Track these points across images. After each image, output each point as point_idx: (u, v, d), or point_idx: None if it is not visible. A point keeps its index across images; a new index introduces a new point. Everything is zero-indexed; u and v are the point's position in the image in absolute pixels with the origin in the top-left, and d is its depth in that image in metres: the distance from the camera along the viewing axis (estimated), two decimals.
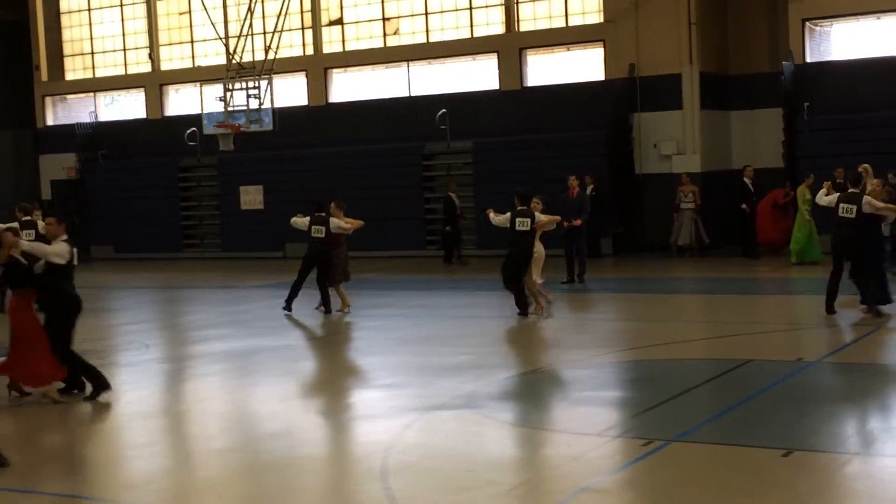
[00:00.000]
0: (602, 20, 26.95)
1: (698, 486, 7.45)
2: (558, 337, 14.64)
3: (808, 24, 25.52)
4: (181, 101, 32.81)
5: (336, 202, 17.45)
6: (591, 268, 20.89)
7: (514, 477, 7.98)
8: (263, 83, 26.46)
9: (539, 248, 15.88)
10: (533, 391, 11.33)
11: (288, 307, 17.15)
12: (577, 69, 27.76)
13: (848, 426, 9.34)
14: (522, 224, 15.69)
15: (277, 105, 27.15)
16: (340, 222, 17.03)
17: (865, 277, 14.27)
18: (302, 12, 30.30)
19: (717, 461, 8.10)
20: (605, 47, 26.95)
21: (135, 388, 12.33)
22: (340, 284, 17.12)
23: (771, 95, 25.55)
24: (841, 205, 14.26)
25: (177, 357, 14.51)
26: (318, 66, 30.32)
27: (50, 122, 35.04)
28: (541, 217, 15.82)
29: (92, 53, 34.33)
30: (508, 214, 15.90)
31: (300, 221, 17.31)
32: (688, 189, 24.80)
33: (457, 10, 28.76)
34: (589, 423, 9.26)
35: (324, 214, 17.19)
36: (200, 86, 28.29)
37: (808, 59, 25.60)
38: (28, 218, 19.63)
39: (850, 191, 14.46)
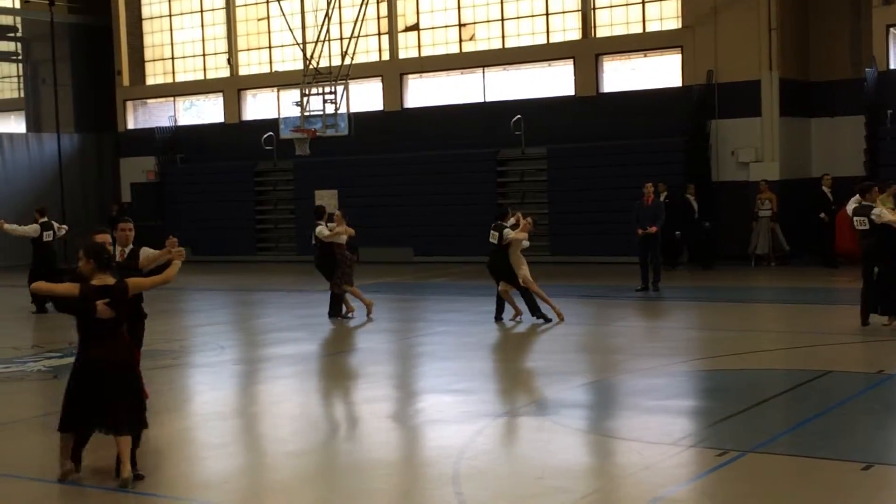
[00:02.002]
0: (680, 26, 26.69)
1: (774, 499, 7.32)
2: (631, 345, 14.51)
3: (892, 30, 25.03)
4: (258, 106, 33.19)
5: (341, 210, 18.07)
6: (666, 276, 20.70)
7: (585, 485, 7.92)
8: (339, 88, 26.65)
9: (515, 260, 16.56)
10: (605, 399, 11.24)
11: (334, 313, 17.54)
12: (654, 75, 27.53)
13: None
14: (493, 237, 16.66)
15: (353, 110, 27.32)
16: (325, 230, 17.30)
17: (888, 288, 14.18)
18: (378, 18, 30.47)
19: (794, 474, 7.95)
20: (682, 53, 26.69)
21: (211, 388, 12.49)
22: (345, 287, 17.37)
23: (853, 102, 25.10)
24: (854, 217, 14.34)
25: (251, 359, 14.66)
26: (393, 72, 30.47)
27: (131, 125, 35.66)
28: (509, 234, 16.50)
29: (172, 59, 34.89)
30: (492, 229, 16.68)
31: (29, 229, 18.39)
32: (765, 196, 24.46)
33: (533, 16, 28.70)
34: (662, 432, 9.15)
35: (322, 223, 17.47)
36: (277, 91, 28.59)
37: (892, 66, 25.10)
38: (45, 219, 20.18)
39: (863, 203, 14.34)
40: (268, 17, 32.61)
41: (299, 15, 30.90)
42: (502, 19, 29.09)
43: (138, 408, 8.24)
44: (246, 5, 33.15)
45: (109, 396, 8.01)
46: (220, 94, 33.81)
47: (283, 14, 29.31)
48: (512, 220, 16.79)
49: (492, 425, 9.72)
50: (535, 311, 16.33)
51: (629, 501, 7.44)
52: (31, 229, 20.00)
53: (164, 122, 34.65)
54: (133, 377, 8.25)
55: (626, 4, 27.55)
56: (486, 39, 29.42)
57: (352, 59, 27.10)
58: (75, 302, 7.98)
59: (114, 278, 8.16)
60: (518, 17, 28.90)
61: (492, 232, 16.67)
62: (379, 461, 8.81)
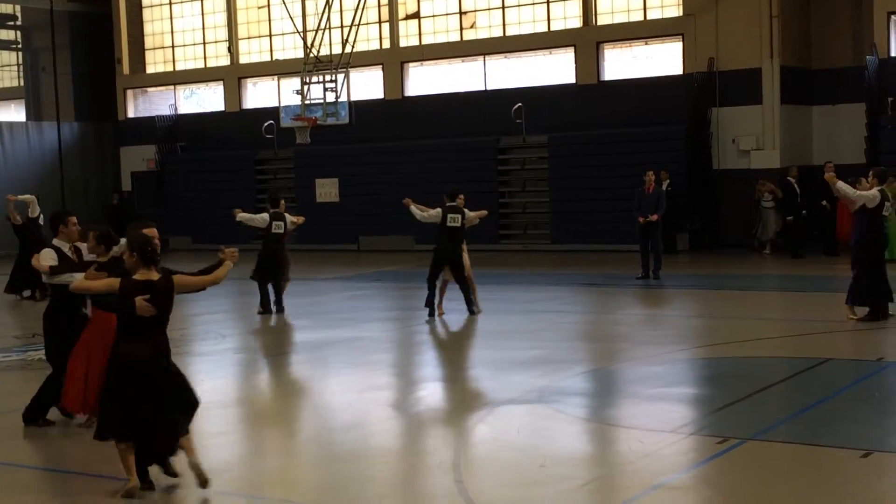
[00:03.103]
0: (681, 13, 26.65)
1: (774, 486, 7.34)
2: (632, 333, 14.52)
3: (893, 17, 24.98)
4: (259, 95, 33.16)
5: (282, 199, 17.69)
6: (667, 264, 20.70)
7: (586, 472, 7.93)
8: (340, 77, 26.62)
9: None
10: (606, 386, 11.25)
11: (279, 308, 17.02)
12: (655, 63, 27.49)
13: None
14: (454, 220, 15.89)
15: (354, 98, 27.29)
16: (293, 218, 17.17)
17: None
18: (379, 6, 30.42)
19: (794, 461, 7.97)
20: (683, 41, 26.65)
21: (211, 377, 12.49)
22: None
23: (854, 90, 25.06)
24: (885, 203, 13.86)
25: (252, 347, 14.67)
26: (394, 60, 30.43)
27: (131, 114, 35.64)
28: (469, 213, 16.04)
29: (172, 47, 34.85)
30: (439, 210, 15.86)
31: (258, 218, 17.13)
32: (765, 188, 24.44)
33: (533, 3, 28.64)
34: (663, 420, 9.17)
35: (280, 210, 17.16)
36: (278, 79, 28.56)
37: (893, 53, 25.06)
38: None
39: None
40: (268, 5, 32.58)
41: (300, 3, 30.83)
42: (503, 7, 29.04)
43: (187, 407, 7.76)
44: None
45: (163, 398, 7.52)
46: (221, 82, 33.77)
47: (284, 2, 29.27)
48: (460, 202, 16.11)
49: (493, 413, 9.74)
50: (472, 304, 15.98)
51: (630, 489, 7.45)
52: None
53: (165, 111, 34.63)
54: (179, 376, 7.75)
55: None
56: (487, 27, 29.38)
57: (352, 47, 27.06)
58: (116, 298, 7.55)
59: (158, 274, 7.63)
60: (519, 5, 28.85)
61: (451, 216, 15.89)
62: (380, 449, 8.82)
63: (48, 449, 9.24)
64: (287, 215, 17.24)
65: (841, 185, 13.71)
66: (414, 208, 16.10)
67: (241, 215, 17.08)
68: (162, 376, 7.54)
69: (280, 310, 16.96)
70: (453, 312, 16.36)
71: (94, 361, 8.93)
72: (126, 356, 7.49)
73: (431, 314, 15.90)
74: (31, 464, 8.79)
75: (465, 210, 16.08)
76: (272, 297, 16.95)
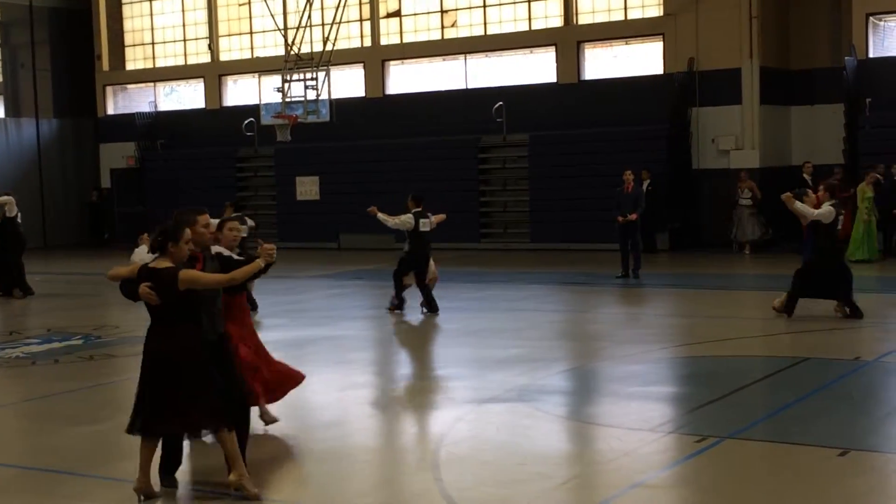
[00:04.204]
0: (662, 13, 26.73)
1: (752, 484, 7.38)
2: (612, 331, 14.56)
3: (871, 18, 25.14)
4: (239, 92, 33.06)
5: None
6: (646, 263, 20.77)
7: (565, 471, 7.96)
8: (321, 74, 26.59)
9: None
10: (585, 385, 11.29)
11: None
12: (636, 63, 27.56)
13: None
14: (426, 225, 16.09)
15: (334, 96, 27.27)
16: (251, 222, 17.37)
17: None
18: (360, 4, 30.38)
19: (772, 459, 8.01)
20: (664, 41, 26.73)
21: None
22: None
23: (832, 91, 25.20)
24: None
25: None
26: (375, 58, 30.40)
27: (110, 111, 35.47)
28: (432, 217, 16.22)
29: (152, 44, 34.71)
30: (411, 217, 15.97)
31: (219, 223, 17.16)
32: (745, 185, 24.55)
33: (514, 2, 28.67)
34: (642, 419, 9.20)
35: (241, 214, 17.30)
36: (259, 76, 28.51)
37: (871, 55, 25.22)
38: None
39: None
40: (249, 2, 32.47)
41: (280, 0, 30.78)
42: (484, 6, 29.06)
43: (215, 403, 7.26)
44: None
45: (179, 394, 7.18)
46: (201, 79, 33.65)
47: None
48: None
49: (473, 412, 9.75)
50: (432, 303, 16.10)
51: (609, 487, 7.48)
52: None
53: (145, 108, 34.49)
54: (199, 370, 7.24)
55: None
56: (468, 26, 29.39)
57: (333, 44, 27.02)
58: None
59: (172, 264, 7.22)
60: (500, 4, 28.87)
61: (422, 220, 16.04)
62: (360, 447, 8.82)
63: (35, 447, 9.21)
64: (248, 219, 17.40)
65: (798, 205, 14.19)
66: (381, 216, 16.16)
67: (393, 220, 17.18)
68: (186, 369, 7.21)
69: (254, 308, 16.95)
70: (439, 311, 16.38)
71: (252, 349, 8.96)
72: (144, 347, 7.36)
73: (401, 308, 16.17)
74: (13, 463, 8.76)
75: (429, 214, 16.28)
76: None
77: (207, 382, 7.25)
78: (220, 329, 7.72)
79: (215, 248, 7.90)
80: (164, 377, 7.21)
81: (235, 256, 8.04)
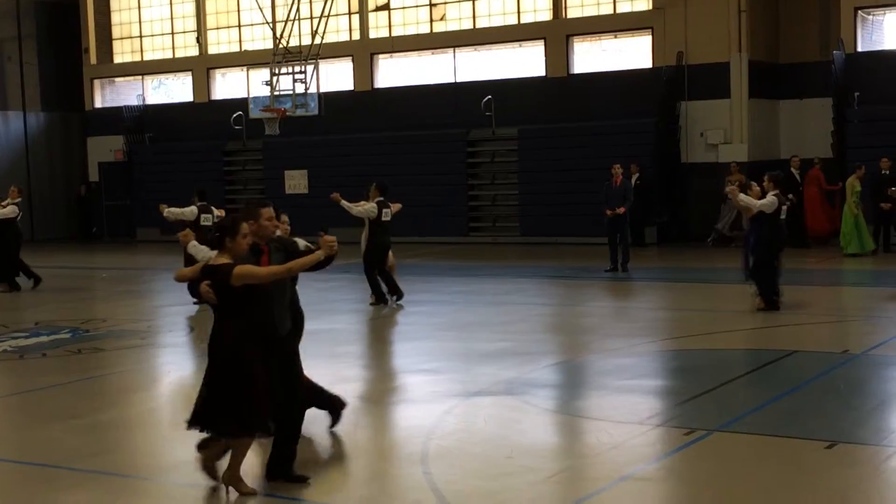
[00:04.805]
0: (650, 7, 26.73)
1: (740, 477, 7.40)
2: (600, 325, 14.58)
3: (860, 12, 25.17)
4: (228, 86, 32.98)
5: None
6: (635, 257, 20.79)
7: (554, 464, 7.96)
8: (309, 68, 26.54)
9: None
10: (574, 378, 11.30)
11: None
12: (625, 57, 27.58)
13: (894, 419, 9.25)
14: (387, 214, 16.22)
15: (323, 90, 27.22)
16: (218, 211, 17.36)
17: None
18: None
19: (760, 452, 8.02)
20: (653, 35, 26.74)
21: (179, 369, 12.46)
22: None
23: (821, 85, 25.25)
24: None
25: None
26: (364, 52, 30.35)
27: (98, 104, 35.35)
28: (392, 207, 16.37)
29: (140, 37, 34.59)
30: (374, 205, 16.03)
31: (187, 211, 17.17)
32: (735, 178, 24.55)
33: None
34: (630, 412, 9.21)
35: (206, 203, 17.34)
36: (247, 70, 28.44)
37: (860, 48, 25.26)
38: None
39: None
40: None
41: None
42: (473, 0, 29.06)
43: (238, 409, 7.09)
44: None
45: (208, 391, 7.21)
46: (189, 73, 33.56)
47: None
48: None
49: (461, 405, 9.75)
50: (396, 290, 16.32)
51: (597, 480, 7.48)
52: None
53: (132, 101, 34.37)
54: (233, 374, 7.09)
55: None
56: (457, 20, 29.36)
57: (322, 38, 26.96)
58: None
59: (230, 259, 7.08)
60: None
61: (385, 210, 16.18)
62: (348, 441, 8.81)
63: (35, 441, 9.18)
64: (213, 208, 17.46)
65: (742, 197, 14.53)
66: (345, 204, 16.20)
67: (169, 210, 17.14)
68: (210, 368, 7.17)
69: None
70: (423, 304, 16.38)
71: None
72: (216, 343, 7.22)
73: (386, 301, 16.26)
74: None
75: (389, 203, 16.41)
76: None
77: (244, 383, 7.09)
78: (287, 325, 7.62)
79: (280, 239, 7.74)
80: (209, 374, 7.20)
81: (302, 247, 7.87)
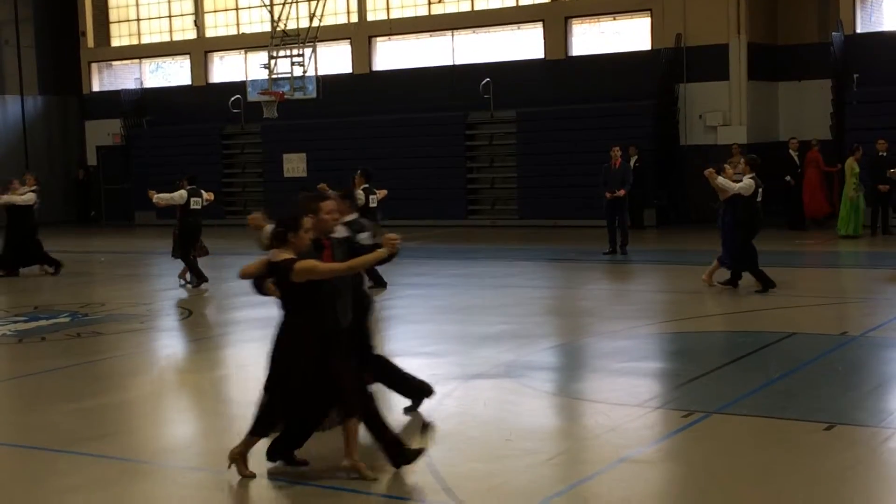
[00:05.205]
0: None
1: (738, 459, 7.41)
2: (599, 307, 14.59)
3: None
4: (225, 69, 32.92)
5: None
6: (634, 239, 20.78)
7: (553, 446, 7.97)
8: (307, 51, 26.49)
9: None
10: (572, 361, 11.30)
11: (201, 281, 17.34)
12: (623, 39, 27.51)
13: (892, 401, 9.26)
14: (374, 201, 16.42)
15: (321, 73, 27.18)
16: (207, 195, 17.67)
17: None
18: None
19: (759, 434, 8.04)
20: (651, 16, 26.68)
21: (177, 352, 12.47)
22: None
23: (820, 66, 25.20)
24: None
25: (218, 323, 14.62)
26: (362, 34, 30.27)
27: (96, 88, 35.28)
28: (378, 193, 16.55)
29: (138, 20, 34.49)
30: (362, 192, 16.24)
31: (176, 195, 17.27)
32: (736, 160, 24.51)
33: None
34: (629, 394, 9.22)
35: (195, 187, 17.44)
36: (245, 53, 28.41)
37: (859, 30, 25.21)
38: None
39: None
40: None
41: None
42: None
43: (269, 407, 7.18)
44: None
45: (270, 391, 7.18)
46: (187, 56, 33.48)
47: None
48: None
49: (460, 388, 9.76)
50: (380, 281, 16.27)
51: (596, 462, 7.50)
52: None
53: (130, 85, 34.31)
54: (279, 373, 7.12)
55: None
56: (456, 2, 29.28)
57: (320, 20, 26.91)
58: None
59: (294, 254, 7.01)
60: None
61: (371, 196, 16.43)
62: None
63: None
64: (202, 192, 17.59)
65: (720, 180, 14.76)
66: (332, 193, 16.18)
67: (158, 196, 17.27)
68: (313, 362, 7.07)
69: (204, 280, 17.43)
70: (422, 287, 16.38)
71: None
72: (278, 339, 7.19)
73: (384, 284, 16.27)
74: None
75: (375, 190, 16.59)
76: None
77: (300, 379, 7.05)
78: (349, 317, 7.57)
79: (341, 233, 7.66)
80: (273, 371, 7.15)
81: (364, 242, 7.80)
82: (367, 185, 16.33)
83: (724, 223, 15.13)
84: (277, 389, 7.12)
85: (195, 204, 17.33)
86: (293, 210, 7.34)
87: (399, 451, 7.28)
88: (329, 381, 7.04)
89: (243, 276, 7.58)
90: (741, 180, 14.87)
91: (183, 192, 17.29)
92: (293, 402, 7.10)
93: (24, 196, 19.39)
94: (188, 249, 17.33)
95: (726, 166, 15.42)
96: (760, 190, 14.77)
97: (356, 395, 7.15)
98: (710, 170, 14.97)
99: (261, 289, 7.55)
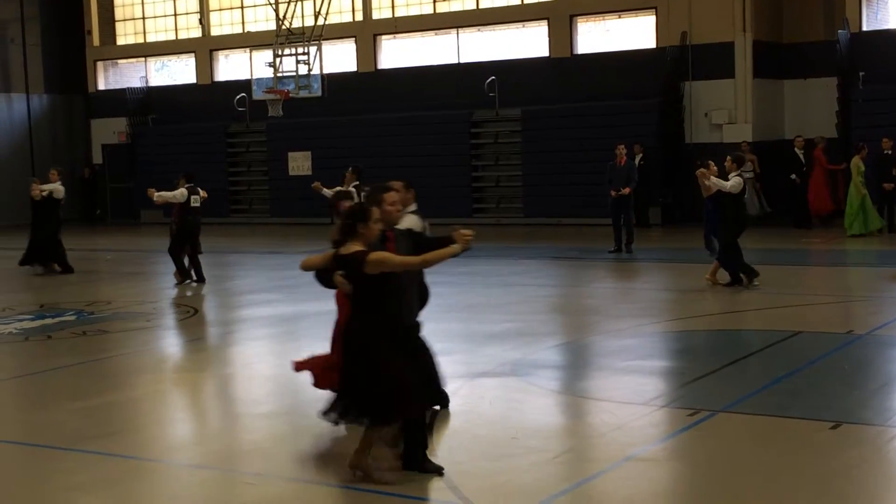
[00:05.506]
0: None
1: (744, 457, 7.40)
2: (604, 306, 14.58)
3: None
4: (231, 67, 32.93)
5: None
6: (639, 237, 20.76)
7: (558, 444, 7.97)
8: (313, 49, 26.47)
9: None
10: (578, 359, 11.30)
11: (201, 278, 17.56)
12: (628, 37, 27.48)
13: None
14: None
15: (326, 71, 27.15)
16: (202, 192, 17.78)
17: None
18: None
19: (764, 432, 8.03)
20: (656, 14, 26.64)
21: (184, 350, 12.48)
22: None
23: (825, 64, 25.15)
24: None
25: (224, 321, 14.63)
26: (367, 33, 30.27)
27: (101, 86, 35.31)
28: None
29: (143, 18, 34.51)
30: (353, 190, 16.18)
31: (178, 194, 17.40)
32: (746, 158, 24.49)
33: None
34: (634, 393, 9.22)
35: (194, 185, 17.61)
36: (250, 51, 28.43)
37: (865, 28, 25.16)
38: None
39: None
40: None
41: None
42: None
43: (367, 398, 7.00)
44: None
45: (344, 378, 7.12)
46: (192, 54, 33.49)
47: None
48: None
49: (465, 386, 9.75)
50: None
51: (602, 460, 7.50)
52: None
53: (136, 83, 34.33)
54: (361, 365, 6.99)
55: None
56: (461, 0, 29.25)
57: (325, 19, 26.89)
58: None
59: (364, 246, 6.92)
60: None
61: (363, 194, 16.53)
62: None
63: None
64: (199, 189, 17.76)
65: (714, 179, 14.90)
66: (326, 191, 16.42)
67: (159, 195, 17.41)
68: (348, 357, 7.04)
69: (201, 279, 17.57)
70: None
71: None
72: (349, 334, 7.10)
73: None
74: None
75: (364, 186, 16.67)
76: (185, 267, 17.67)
77: (377, 373, 6.95)
78: (416, 312, 7.56)
79: (406, 225, 7.59)
80: (348, 364, 7.08)
81: (428, 233, 7.72)
82: (357, 183, 16.42)
83: (708, 220, 15.23)
84: (368, 381, 6.97)
85: (194, 202, 17.54)
86: (361, 201, 7.22)
87: (421, 459, 7.19)
88: (390, 380, 6.93)
89: (305, 268, 7.50)
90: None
91: (183, 191, 17.45)
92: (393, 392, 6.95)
93: (56, 185, 19.55)
94: (182, 247, 17.50)
95: (710, 162, 15.52)
96: (746, 187, 15.12)
97: (405, 401, 6.98)
98: (703, 170, 15.11)
99: (326, 281, 7.46)
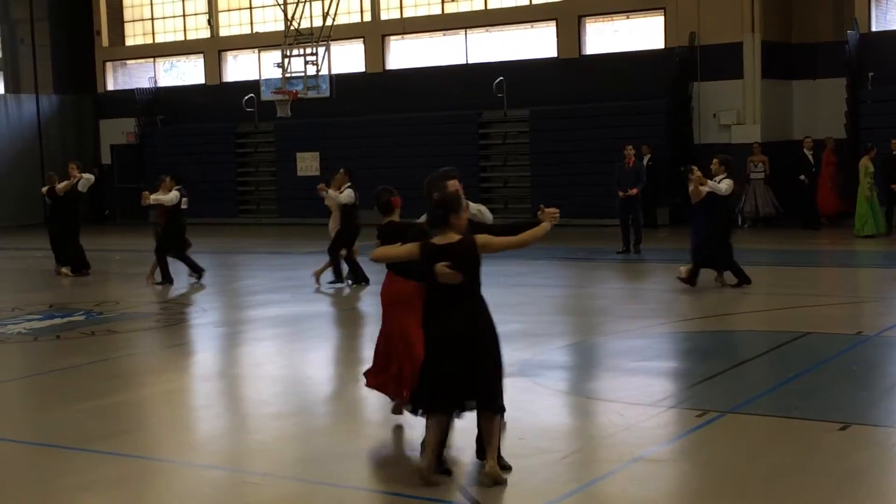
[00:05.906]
0: None
1: (753, 458, 7.39)
2: (613, 306, 14.57)
3: None
4: (239, 68, 32.96)
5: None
6: (647, 238, 20.74)
7: (566, 445, 7.97)
8: (321, 50, 26.50)
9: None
10: (586, 360, 11.29)
11: (199, 275, 17.78)
12: (637, 37, 27.44)
13: None
14: (358, 199, 16.83)
15: (335, 72, 27.18)
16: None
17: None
18: None
19: (773, 434, 8.02)
20: (665, 15, 26.61)
21: (193, 351, 12.50)
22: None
23: (834, 65, 25.10)
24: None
25: (233, 321, 14.65)
26: (375, 33, 30.28)
27: (110, 87, 35.38)
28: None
29: (152, 19, 34.57)
30: (351, 191, 16.61)
31: (171, 196, 17.55)
32: (758, 159, 24.50)
33: None
34: (643, 393, 9.21)
35: (182, 187, 17.88)
36: (258, 52, 28.41)
37: (874, 28, 25.11)
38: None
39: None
40: None
41: None
42: None
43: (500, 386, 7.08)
44: None
45: (479, 367, 6.97)
46: (201, 55, 33.55)
47: None
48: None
49: None
50: (361, 274, 16.68)
51: (610, 461, 7.49)
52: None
53: (144, 84, 34.38)
54: (498, 350, 7.13)
55: None
56: (469, 1, 29.26)
57: (333, 19, 26.91)
58: (418, 265, 6.95)
59: (459, 235, 6.89)
60: None
61: (357, 194, 16.78)
62: (358, 422, 8.83)
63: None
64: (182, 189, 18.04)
65: (711, 184, 14.94)
66: (331, 193, 16.63)
67: (154, 196, 17.57)
68: (475, 348, 6.99)
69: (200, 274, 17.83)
70: None
71: (388, 337, 8.44)
72: (434, 329, 6.99)
73: (342, 280, 16.73)
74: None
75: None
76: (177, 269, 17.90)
77: (500, 363, 7.14)
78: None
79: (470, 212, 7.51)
80: (460, 354, 6.97)
81: (480, 218, 7.84)
82: (350, 185, 16.56)
83: (696, 223, 15.36)
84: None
85: (184, 204, 17.88)
86: (445, 192, 7.30)
87: (441, 460, 7.17)
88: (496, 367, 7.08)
89: (379, 259, 7.48)
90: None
91: (176, 194, 17.70)
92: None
93: (86, 175, 19.51)
94: (169, 247, 17.65)
95: (693, 167, 15.51)
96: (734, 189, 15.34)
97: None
98: (699, 174, 15.05)
99: (410, 273, 7.43)
